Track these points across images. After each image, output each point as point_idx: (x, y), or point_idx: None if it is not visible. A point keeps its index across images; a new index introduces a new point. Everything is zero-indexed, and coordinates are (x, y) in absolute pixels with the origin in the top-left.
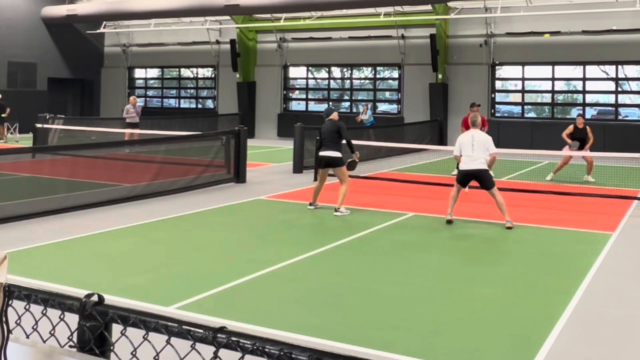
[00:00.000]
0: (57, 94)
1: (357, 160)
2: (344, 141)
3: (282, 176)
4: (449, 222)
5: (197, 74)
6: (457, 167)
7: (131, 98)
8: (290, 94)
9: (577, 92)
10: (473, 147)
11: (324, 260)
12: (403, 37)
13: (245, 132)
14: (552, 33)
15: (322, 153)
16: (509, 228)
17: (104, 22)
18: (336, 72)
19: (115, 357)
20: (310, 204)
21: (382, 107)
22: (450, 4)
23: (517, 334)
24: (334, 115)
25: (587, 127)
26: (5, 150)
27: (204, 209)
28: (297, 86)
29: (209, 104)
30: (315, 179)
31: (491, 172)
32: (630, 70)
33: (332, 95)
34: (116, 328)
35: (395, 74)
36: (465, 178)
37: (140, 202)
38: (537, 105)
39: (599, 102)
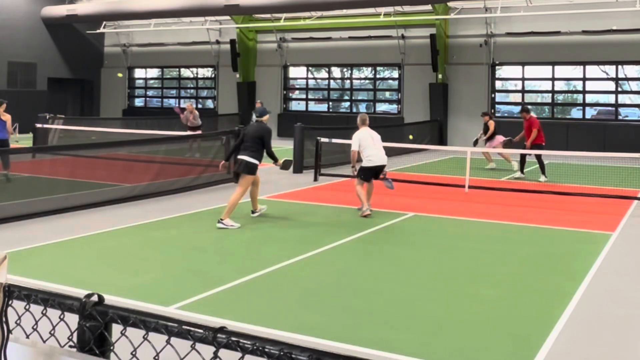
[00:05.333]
0: (57, 94)
1: (281, 164)
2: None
3: (282, 176)
4: (367, 216)
5: (197, 74)
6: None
7: (187, 104)
8: (290, 94)
9: (577, 92)
10: (374, 142)
11: (323, 260)
12: (403, 37)
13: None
14: (552, 33)
15: (241, 156)
16: (365, 216)
17: (104, 22)
18: (336, 72)
19: (115, 357)
20: (253, 212)
21: (382, 107)
22: (450, 4)
23: (517, 334)
24: (266, 118)
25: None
26: (6, 150)
27: (204, 209)
28: (297, 86)
29: (209, 103)
30: (316, 179)
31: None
32: (630, 70)
33: (332, 95)
34: (116, 328)
35: (395, 74)
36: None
37: (140, 202)
38: (537, 105)
39: (599, 102)
